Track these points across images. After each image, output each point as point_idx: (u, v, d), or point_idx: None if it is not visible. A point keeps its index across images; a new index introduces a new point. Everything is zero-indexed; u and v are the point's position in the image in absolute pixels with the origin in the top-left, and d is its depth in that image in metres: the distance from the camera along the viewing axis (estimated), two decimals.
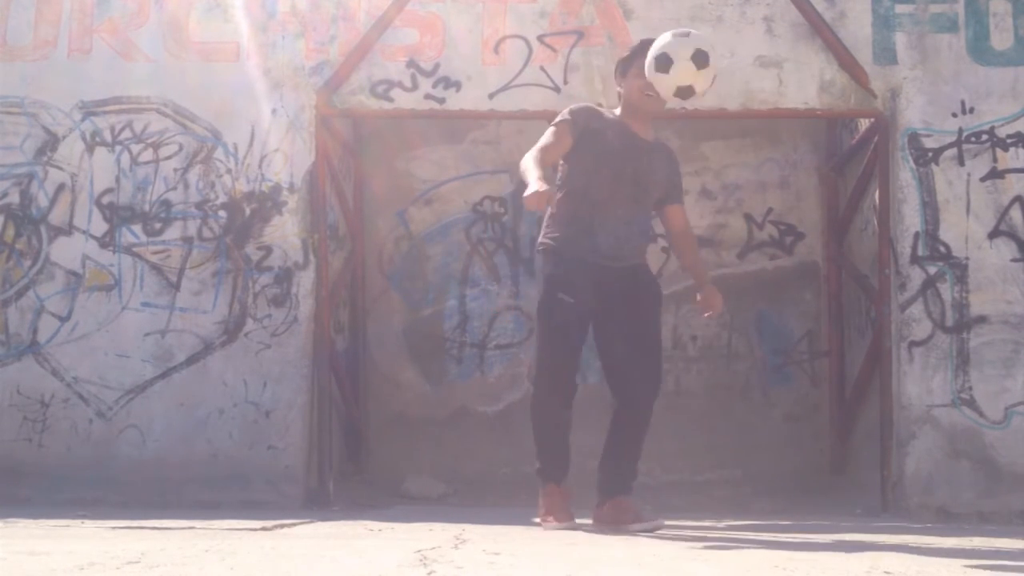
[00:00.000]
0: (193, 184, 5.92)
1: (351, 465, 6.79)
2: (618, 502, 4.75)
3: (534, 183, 4.39)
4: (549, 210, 4.79)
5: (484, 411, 7.21)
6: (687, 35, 4.56)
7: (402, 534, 4.30)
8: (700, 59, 4.46)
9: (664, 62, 4.48)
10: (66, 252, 5.91)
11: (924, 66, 5.80)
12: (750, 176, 7.30)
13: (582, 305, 4.70)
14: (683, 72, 4.47)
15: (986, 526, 5.33)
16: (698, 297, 5.08)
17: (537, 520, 4.83)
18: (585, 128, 4.72)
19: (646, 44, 4.71)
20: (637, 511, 4.72)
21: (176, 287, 5.88)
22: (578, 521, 4.82)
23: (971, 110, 5.78)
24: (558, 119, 4.79)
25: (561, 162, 4.82)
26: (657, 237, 7.24)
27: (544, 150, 4.66)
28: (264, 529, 4.42)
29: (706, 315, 5.10)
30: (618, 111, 4.86)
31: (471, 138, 7.24)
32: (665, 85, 4.53)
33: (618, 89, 4.87)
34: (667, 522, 5.16)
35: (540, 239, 4.86)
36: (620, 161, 4.72)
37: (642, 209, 4.85)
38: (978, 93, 5.78)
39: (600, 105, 5.06)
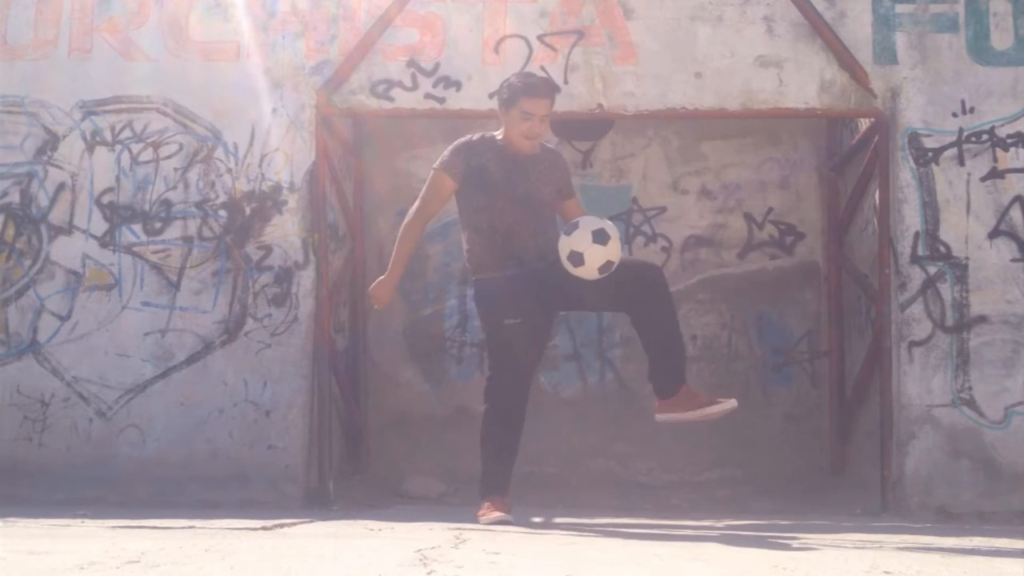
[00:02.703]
0: (193, 183, 5.92)
1: (351, 465, 6.79)
2: (682, 392, 4.86)
3: (387, 276, 5.03)
4: (464, 246, 5.05)
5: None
6: (577, 226, 4.78)
7: (402, 534, 4.30)
8: (600, 237, 4.73)
9: (577, 261, 4.72)
10: (66, 251, 5.91)
11: (924, 66, 5.80)
12: (750, 176, 7.30)
13: (529, 319, 4.89)
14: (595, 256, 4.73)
15: (986, 526, 5.33)
16: None
17: (480, 514, 4.85)
18: (466, 168, 4.96)
19: (529, 84, 4.93)
20: (704, 395, 4.92)
21: (176, 286, 5.88)
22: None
23: (971, 110, 5.78)
24: (436, 165, 5.02)
25: (455, 200, 5.06)
26: (657, 237, 7.28)
27: (424, 208, 5.06)
28: (264, 528, 4.42)
29: None
30: (500, 135, 5.02)
31: None
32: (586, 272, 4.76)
33: (501, 118, 5.00)
34: (666, 522, 5.18)
35: (472, 275, 5.08)
36: (509, 188, 4.93)
37: (546, 216, 5.05)
38: (978, 93, 5.78)
39: (488, 136, 5.12)
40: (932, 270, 5.75)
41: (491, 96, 5.85)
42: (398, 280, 5.11)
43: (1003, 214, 5.76)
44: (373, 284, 5.11)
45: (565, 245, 4.74)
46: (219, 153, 5.92)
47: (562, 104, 5.71)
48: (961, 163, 5.78)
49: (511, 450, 4.98)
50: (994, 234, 5.76)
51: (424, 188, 5.07)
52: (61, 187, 5.93)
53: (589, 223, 4.77)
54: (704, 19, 5.85)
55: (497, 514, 4.78)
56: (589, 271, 4.72)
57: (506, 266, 4.93)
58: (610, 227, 4.76)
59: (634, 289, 4.82)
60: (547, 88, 4.98)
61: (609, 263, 4.73)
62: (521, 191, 4.94)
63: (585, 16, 5.87)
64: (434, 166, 5.04)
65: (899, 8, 5.81)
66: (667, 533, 4.55)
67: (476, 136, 5.08)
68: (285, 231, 5.89)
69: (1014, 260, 5.74)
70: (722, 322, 7.25)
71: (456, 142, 5.06)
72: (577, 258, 4.70)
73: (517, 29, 5.88)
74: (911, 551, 3.95)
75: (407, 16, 5.88)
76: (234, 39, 5.94)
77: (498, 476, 4.96)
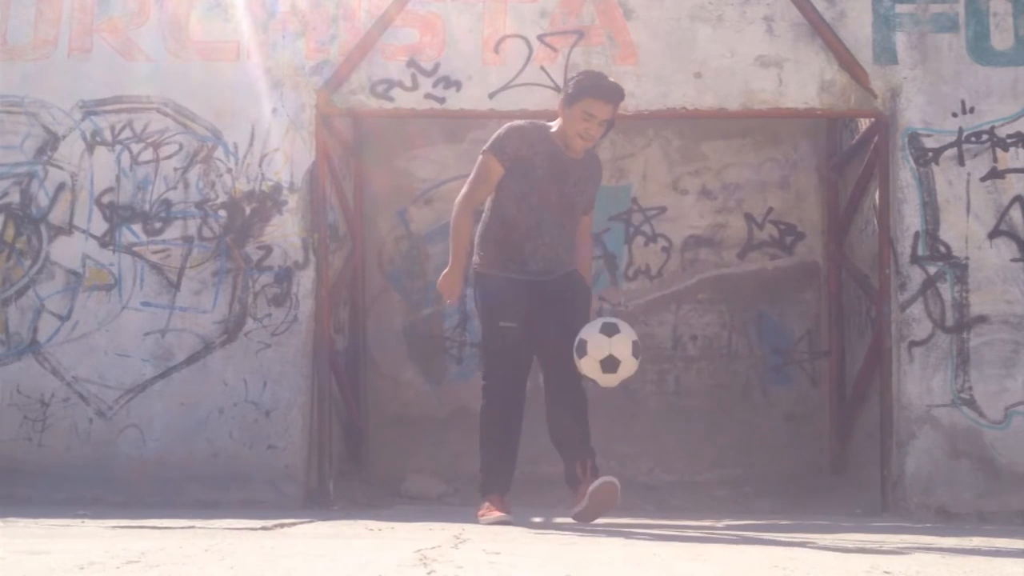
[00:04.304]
0: (193, 183, 5.92)
1: (351, 465, 6.79)
2: (589, 466, 4.87)
3: (451, 269, 4.89)
4: (479, 228, 5.01)
5: None
6: (618, 330, 4.76)
7: (402, 534, 4.30)
8: (637, 350, 4.77)
9: (611, 364, 4.72)
10: (66, 251, 5.91)
11: (924, 66, 5.80)
12: (750, 176, 7.30)
13: (523, 325, 4.86)
14: (629, 367, 4.76)
15: (986, 526, 5.33)
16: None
17: (480, 514, 4.85)
18: (516, 156, 4.86)
19: (600, 87, 4.84)
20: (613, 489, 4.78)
21: (176, 286, 5.88)
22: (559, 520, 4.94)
23: (971, 110, 5.78)
24: (486, 148, 4.92)
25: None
26: (657, 237, 7.28)
27: (473, 194, 4.94)
28: (264, 528, 4.42)
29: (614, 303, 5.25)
30: (554, 127, 4.94)
31: (471, 137, 7.23)
32: (612, 380, 4.80)
33: (561, 111, 4.92)
34: (666, 522, 5.17)
35: (473, 260, 5.02)
36: (547, 188, 4.87)
37: (569, 227, 5.02)
38: (978, 93, 5.78)
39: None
40: (932, 270, 5.75)
41: (491, 96, 5.87)
42: (464, 271, 4.99)
43: (1003, 214, 5.76)
44: (440, 279, 4.99)
45: (603, 347, 4.69)
46: (219, 153, 5.92)
47: None
48: (961, 163, 5.78)
49: (510, 449, 4.97)
50: (994, 234, 5.76)
51: (472, 173, 4.96)
52: (61, 187, 5.93)
53: (628, 332, 4.78)
54: (704, 19, 5.85)
55: (497, 514, 4.77)
56: (614, 380, 4.77)
57: (508, 268, 4.92)
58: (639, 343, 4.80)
59: (569, 374, 4.85)
60: (615, 94, 4.88)
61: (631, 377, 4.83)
62: (558, 194, 4.91)
63: (585, 16, 5.87)
64: (484, 149, 4.93)
65: (899, 8, 5.81)
66: (667, 533, 4.55)
67: (528, 123, 4.99)
68: (285, 231, 5.89)
69: (1014, 260, 5.74)
70: (722, 322, 7.25)
71: (508, 125, 4.96)
72: (613, 364, 4.70)
73: (517, 29, 5.88)
74: (911, 551, 3.95)
75: (407, 16, 5.88)
76: (234, 39, 5.94)
77: (497, 475, 4.95)
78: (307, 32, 5.92)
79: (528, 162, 4.85)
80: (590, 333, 4.72)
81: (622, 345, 4.70)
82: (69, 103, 5.94)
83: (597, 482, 4.71)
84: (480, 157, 4.94)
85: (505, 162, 4.86)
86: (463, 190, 4.97)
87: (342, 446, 6.70)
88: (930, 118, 5.79)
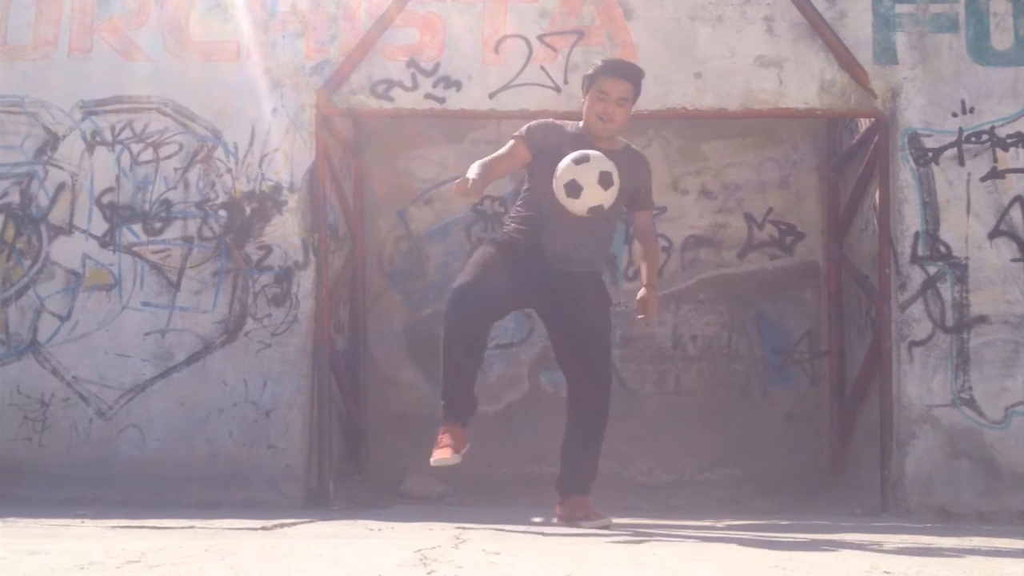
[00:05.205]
0: (193, 183, 5.93)
1: (351, 465, 6.79)
2: (572, 501, 4.89)
3: (467, 174, 4.67)
4: (510, 212, 5.01)
5: (484, 411, 7.11)
6: (587, 159, 4.65)
7: (402, 534, 4.30)
8: (605, 180, 4.63)
9: (574, 189, 4.61)
10: (66, 251, 5.91)
11: (924, 66, 5.80)
12: (750, 176, 7.30)
13: (507, 277, 4.73)
14: (593, 195, 4.63)
15: (986, 526, 5.33)
16: (637, 297, 5.03)
17: (434, 453, 4.84)
18: (543, 144, 4.85)
19: (610, 64, 4.87)
20: (588, 509, 4.86)
21: (176, 286, 5.88)
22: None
23: (971, 110, 5.78)
24: (516, 133, 4.93)
25: (525, 176, 4.99)
26: (656, 237, 7.27)
27: (494, 160, 4.89)
28: (264, 528, 4.42)
29: (638, 317, 5.04)
30: (581, 123, 4.93)
31: (471, 138, 7.24)
32: (578, 207, 4.67)
33: (582, 100, 4.92)
34: (666, 522, 5.17)
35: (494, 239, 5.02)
36: None
37: (597, 226, 4.87)
38: (978, 93, 5.78)
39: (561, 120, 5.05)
40: (932, 270, 5.75)
41: (491, 96, 5.87)
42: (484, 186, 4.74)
43: (1003, 214, 5.76)
44: (463, 184, 4.64)
45: (568, 172, 4.61)
46: (219, 153, 5.92)
47: (562, 104, 5.73)
48: (961, 163, 5.78)
49: (468, 378, 4.90)
50: (994, 234, 5.76)
51: (502, 148, 4.95)
52: (61, 187, 5.93)
53: (598, 162, 4.64)
54: (704, 19, 5.85)
55: (441, 453, 4.76)
56: (580, 207, 4.64)
57: (524, 241, 4.85)
58: (616, 174, 4.65)
59: (583, 391, 4.83)
60: (626, 71, 4.85)
61: (600, 207, 4.66)
62: None
63: (585, 16, 5.87)
64: (514, 134, 4.94)
65: (899, 8, 5.81)
66: (667, 533, 4.55)
67: (559, 120, 5.01)
68: (285, 231, 5.89)
69: (1014, 260, 5.74)
70: (722, 322, 7.25)
71: (542, 119, 5.00)
72: (575, 189, 4.59)
73: (517, 29, 5.88)
74: (911, 551, 3.95)
75: (407, 16, 5.88)
76: (234, 39, 5.94)
77: (456, 402, 4.89)
78: (307, 32, 5.92)
79: (557, 151, 4.80)
80: (598, 162, 4.63)
81: (588, 175, 4.59)
82: (69, 103, 5.94)
83: (597, 521, 4.77)
84: (510, 141, 4.93)
85: (531, 148, 4.86)
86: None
87: (342, 446, 6.70)
88: (930, 118, 5.79)
